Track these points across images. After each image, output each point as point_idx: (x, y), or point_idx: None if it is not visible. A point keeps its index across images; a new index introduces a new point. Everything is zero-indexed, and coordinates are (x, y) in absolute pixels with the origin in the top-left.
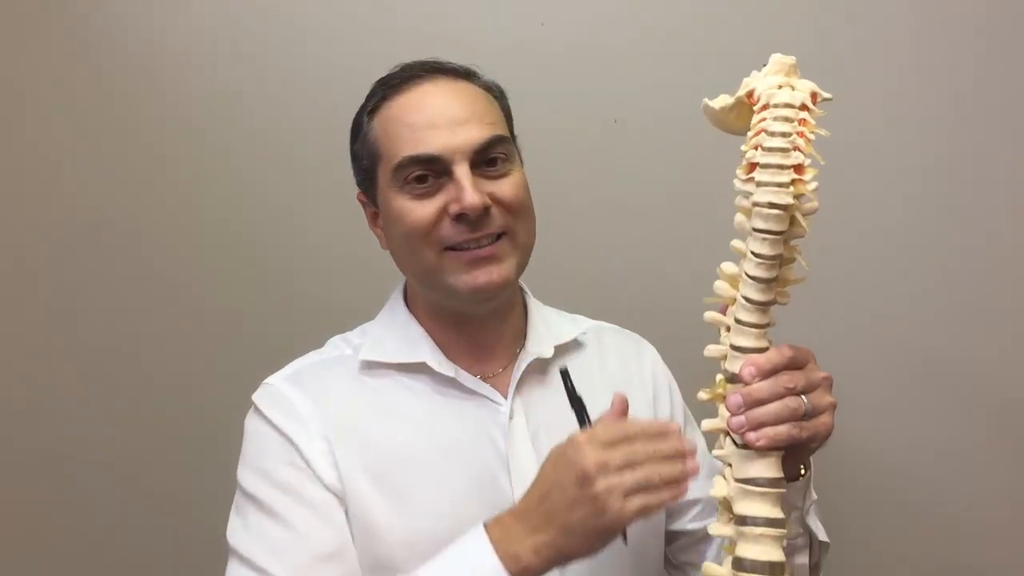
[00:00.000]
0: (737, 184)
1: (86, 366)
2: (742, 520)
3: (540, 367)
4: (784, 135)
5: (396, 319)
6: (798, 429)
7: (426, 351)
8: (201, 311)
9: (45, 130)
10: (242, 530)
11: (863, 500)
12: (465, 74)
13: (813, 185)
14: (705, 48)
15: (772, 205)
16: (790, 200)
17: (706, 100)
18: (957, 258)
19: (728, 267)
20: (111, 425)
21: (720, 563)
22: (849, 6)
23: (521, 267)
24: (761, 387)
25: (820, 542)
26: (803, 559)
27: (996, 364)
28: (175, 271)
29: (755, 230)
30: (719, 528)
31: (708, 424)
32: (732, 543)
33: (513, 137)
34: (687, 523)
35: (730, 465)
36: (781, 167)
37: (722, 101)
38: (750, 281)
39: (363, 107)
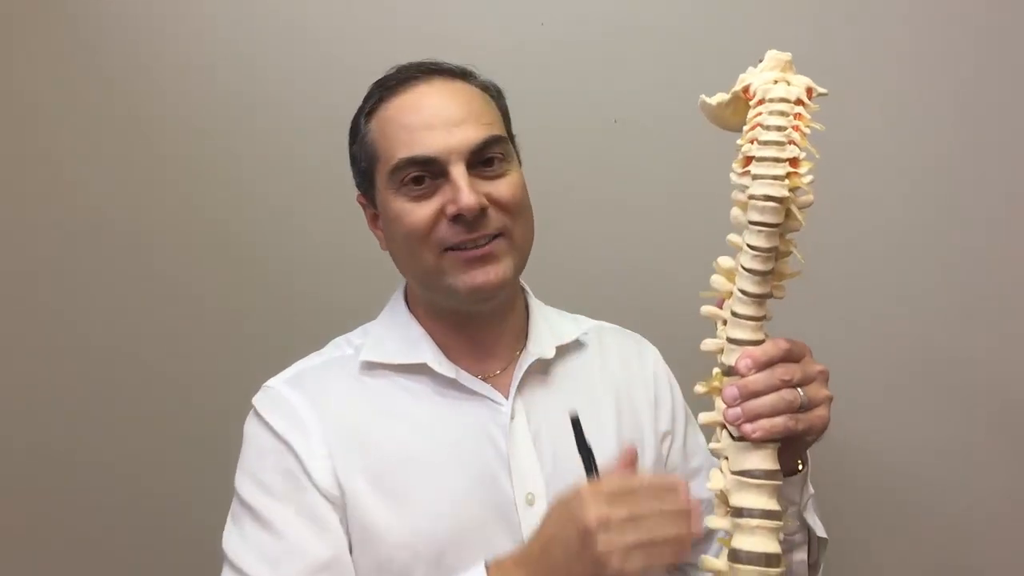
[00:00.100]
0: (733, 178)
1: (86, 366)
2: (738, 512)
3: (541, 367)
4: (779, 129)
5: (397, 319)
6: (794, 421)
7: (427, 352)
8: (201, 312)
9: (45, 130)
10: (237, 538)
11: (863, 500)
12: (462, 74)
13: (808, 178)
14: (705, 48)
15: (768, 197)
16: (785, 193)
17: (703, 96)
18: (957, 256)
19: (724, 261)
20: (111, 426)
21: (718, 556)
22: (848, 5)
23: (519, 267)
24: (757, 379)
25: (819, 539)
26: (801, 555)
27: (996, 363)
28: (175, 272)
29: (751, 223)
30: (716, 521)
31: (704, 417)
32: (729, 535)
33: (511, 137)
34: None
35: (726, 458)
36: (776, 160)
37: (719, 97)
38: (746, 274)
39: (360, 109)
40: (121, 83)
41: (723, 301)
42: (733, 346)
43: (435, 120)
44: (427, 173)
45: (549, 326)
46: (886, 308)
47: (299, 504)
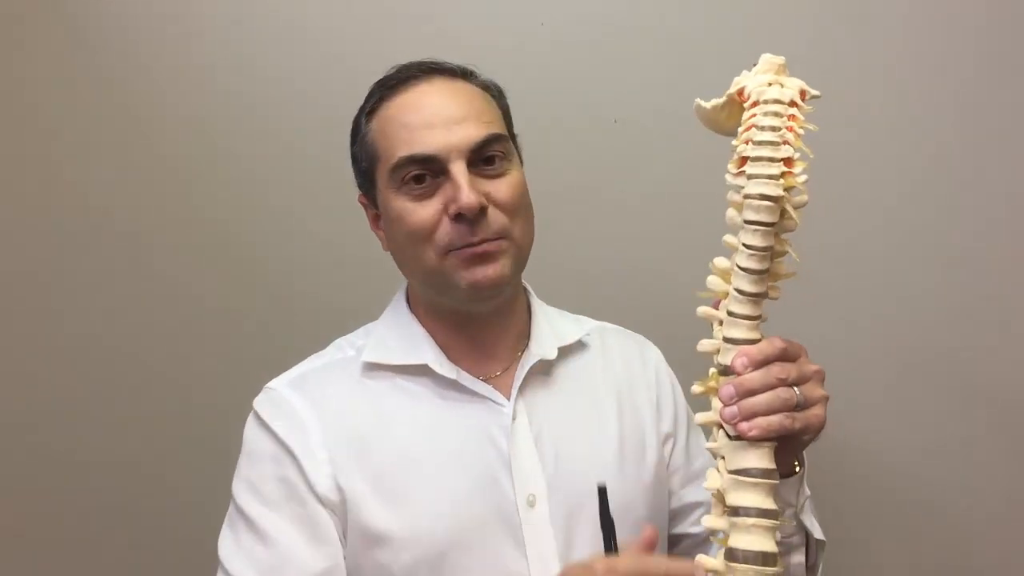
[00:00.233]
0: (728, 179)
1: (86, 366)
2: (735, 511)
3: (543, 368)
4: (774, 129)
5: (399, 320)
6: (790, 420)
7: (428, 353)
8: (202, 312)
9: (45, 130)
10: (232, 545)
11: (862, 500)
12: (462, 73)
13: (803, 178)
14: (704, 48)
15: (763, 196)
16: (780, 192)
17: (698, 100)
18: (957, 256)
19: (720, 262)
20: (112, 426)
21: (715, 556)
22: (848, 6)
23: (519, 266)
24: (753, 377)
25: (817, 541)
26: (799, 558)
27: (996, 363)
28: (176, 272)
29: (746, 222)
30: (712, 521)
31: (701, 417)
32: (726, 535)
33: (512, 136)
34: (689, 526)
35: (723, 458)
36: (771, 160)
37: (714, 101)
38: (742, 273)
39: (361, 109)
40: (121, 83)
41: (719, 302)
42: (729, 345)
43: (436, 119)
44: (428, 172)
45: (551, 327)
46: (883, 308)
47: (295, 514)
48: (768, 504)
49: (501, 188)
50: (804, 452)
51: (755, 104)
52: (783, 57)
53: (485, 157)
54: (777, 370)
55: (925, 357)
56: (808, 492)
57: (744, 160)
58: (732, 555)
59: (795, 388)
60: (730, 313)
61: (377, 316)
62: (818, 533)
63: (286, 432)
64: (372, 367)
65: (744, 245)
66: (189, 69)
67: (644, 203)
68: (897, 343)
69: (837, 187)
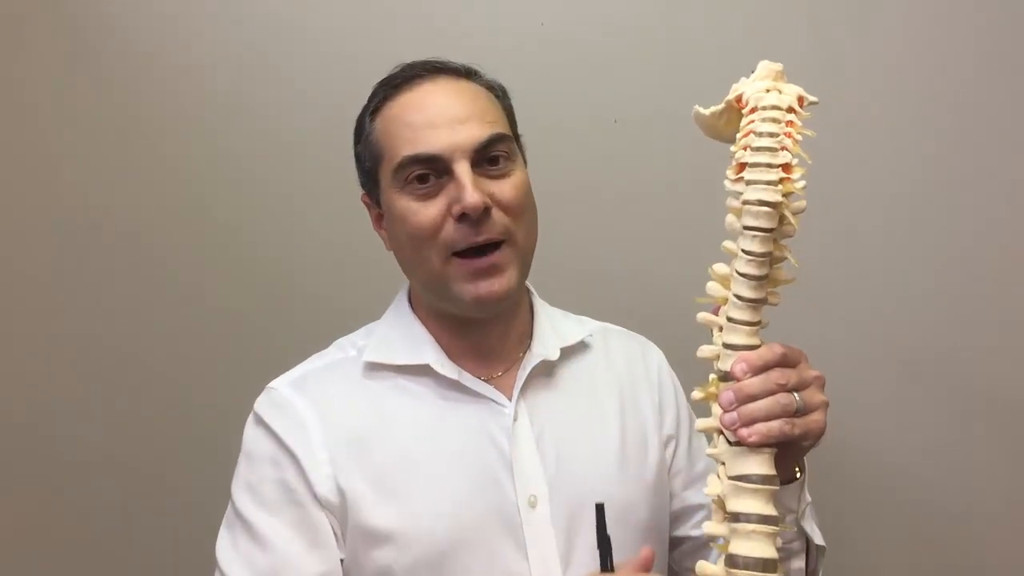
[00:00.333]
0: (727, 185)
1: (87, 367)
2: (735, 517)
3: (545, 369)
4: (772, 135)
5: (401, 319)
6: (790, 425)
7: (430, 353)
8: (203, 312)
9: (45, 130)
10: (230, 548)
11: (862, 501)
12: (466, 73)
13: (801, 184)
14: (704, 49)
15: (761, 202)
16: (779, 198)
17: (697, 107)
18: (956, 257)
19: (720, 268)
20: (113, 426)
21: (715, 562)
22: (848, 7)
23: (524, 273)
24: (753, 383)
25: (817, 547)
26: (799, 564)
27: (996, 364)
28: (178, 272)
29: (745, 228)
30: (713, 527)
31: (701, 423)
32: (726, 541)
33: (516, 136)
34: (690, 529)
35: (723, 464)
36: (769, 166)
37: (712, 107)
38: (741, 278)
39: (365, 108)
40: (122, 82)
41: (719, 308)
42: (729, 351)
43: (439, 118)
44: (431, 171)
45: (553, 327)
46: (883, 308)
47: (293, 518)
48: (768, 510)
49: (505, 189)
50: (804, 458)
51: (753, 110)
52: (781, 64)
53: (489, 157)
54: (777, 376)
55: (925, 357)
56: (809, 498)
57: (743, 166)
58: (733, 561)
59: (795, 394)
60: (730, 319)
61: (379, 315)
62: (818, 539)
63: (287, 433)
64: (374, 367)
65: (743, 251)
66: (189, 69)
67: (644, 203)
68: (897, 344)
69: (835, 189)
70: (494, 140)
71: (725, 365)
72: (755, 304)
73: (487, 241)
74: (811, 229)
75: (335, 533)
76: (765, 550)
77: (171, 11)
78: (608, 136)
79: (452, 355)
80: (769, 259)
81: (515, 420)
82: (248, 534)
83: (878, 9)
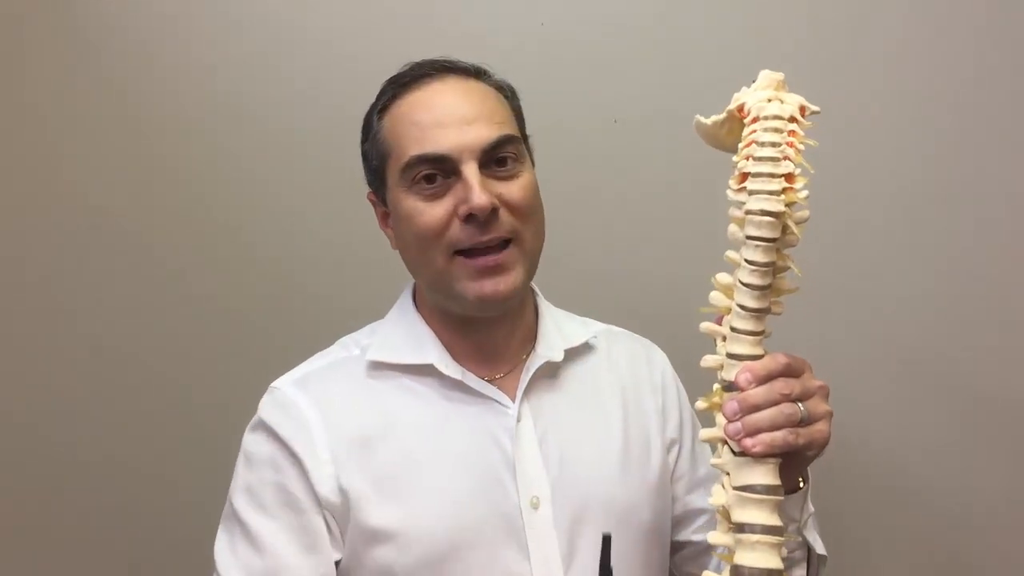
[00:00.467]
0: (729, 195)
1: (88, 367)
2: (740, 528)
3: (549, 370)
4: (774, 145)
5: (404, 319)
6: (794, 435)
7: (433, 353)
8: (205, 312)
9: (46, 130)
10: (227, 550)
11: (862, 501)
12: (475, 73)
13: (804, 193)
14: (704, 49)
15: (764, 212)
16: (781, 207)
17: (698, 117)
18: (956, 258)
19: (723, 278)
20: (113, 426)
21: (720, 572)
22: (848, 8)
23: (530, 274)
24: (757, 393)
25: (818, 556)
26: (800, 572)
27: (996, 364)
28: (180, 271)
29: (748, 237)
30: (718, 537)
31: (705, 433)
32: (731, 552)
33: (525, 137)
34: (691, 534)
35: (728, 474)
36: (772, 175)
37: (714, 117)
38: (745, 288)
39: (373, 106)
40: (122, 82)
41: (722, 318)
42: (733, 361)
43: (448, 118)
44: (439, 171)
45: (558, 329)
46: (883, 311)
47: (290, 522)
48: (773, 520)
49: (513, 190)
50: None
51: (755, 120)
52: (782, 73)
53: (497, 158)
54: (781, 386)
55: (925, 357)
56: (812, 508)
57: (745, 176)
58: (738, 572)
59: (799, 404)
60: (733, 329)
61: (383, 314)
62: (820, 548)
63: (289, 433)
64: (377, 366)
65: (746, 261)
66: (189, 69)
67: (644, 203)
68: (897, 344)
69: (835, 189)
70: (502, 141)
71: (729, 375)
72: (758, 314)
73: (493, 240)
74: (811, 228)
75: (334, 534)
76: (770, 560)
77: (171, 11)
78: (608, 136)
79: (456, 355)
80: (772, 269)
81: (518, 421)
82: (245, 536)
83: (878, 9)
